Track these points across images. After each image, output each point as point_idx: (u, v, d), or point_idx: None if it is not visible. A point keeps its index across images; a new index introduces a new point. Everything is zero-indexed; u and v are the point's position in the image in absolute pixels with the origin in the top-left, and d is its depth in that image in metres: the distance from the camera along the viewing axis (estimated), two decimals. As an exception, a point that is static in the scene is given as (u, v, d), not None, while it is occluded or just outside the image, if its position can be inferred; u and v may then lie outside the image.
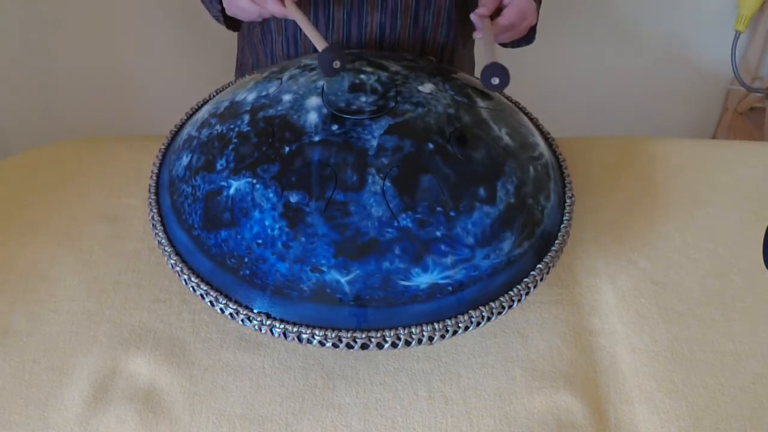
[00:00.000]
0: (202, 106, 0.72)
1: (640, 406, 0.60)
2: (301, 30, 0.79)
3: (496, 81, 0.60)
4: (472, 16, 0.72)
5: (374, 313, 0.54)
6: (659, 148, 0.85)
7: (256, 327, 0.56)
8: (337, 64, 0.60)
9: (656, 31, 1.42)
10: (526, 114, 0.73)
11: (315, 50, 0.79)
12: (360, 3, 0.76)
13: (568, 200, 0.65)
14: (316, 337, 0.55)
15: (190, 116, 0.72)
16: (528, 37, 0.83)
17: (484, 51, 0.66)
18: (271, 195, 0.56)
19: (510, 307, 0.57)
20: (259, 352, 0.63)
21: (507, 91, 0.75)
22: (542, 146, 0.67)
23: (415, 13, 0.78)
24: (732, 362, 0.63)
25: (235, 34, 0.94)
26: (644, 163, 0.83)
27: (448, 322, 0.55)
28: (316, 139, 0.57)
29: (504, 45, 0.86)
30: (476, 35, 0.73)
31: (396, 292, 0.54)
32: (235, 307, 0.56)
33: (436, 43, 0.81)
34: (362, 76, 0.63)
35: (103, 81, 1.42)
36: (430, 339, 0.55)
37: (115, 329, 0.65)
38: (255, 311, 0.56)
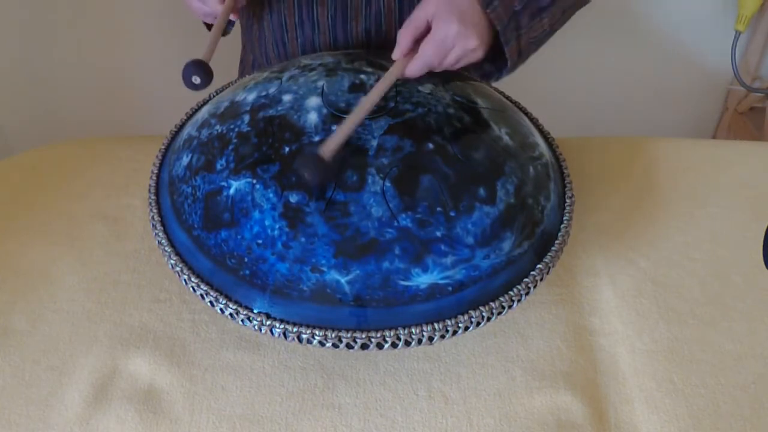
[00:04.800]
0: (202, 106, 0.72)
1: (640, 406, 0.60)
2: (287, 33, 0.79)
3: (307, 176, 0.54)
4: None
5: (374, 313, 0.54)
6: (659, 148, 0.85)
7: (256, 327, 0.56)
8: (196, 80, 0.60)
9: (656, 31, 1.42)
10: (526, 114, 0.73)
11: (303, 51, 0.80)
12: (344, 8, 0.76)
13: (568, 200, 0.65)
14: (316, 337, 0.55)
15: (190, 116, 0.72)
16: (498, 67, 0.69)
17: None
18: (271, 195, 0.56)
19: (510, 307, 0.57)
20: (259, 352, 0.63)
21: (507, 91, 0.75)
22: (542, 146, 0.67)
23: (400, 18, 0.77)
24: (732, 362, 0.63)
25: (237, 33, 0.94)
26: (644, 163, 0.83)
27: (448, 322, 0.55)
28: (316, 139, 0.57)
29: (487, 79, 0.73)
30: None
31: (396, 292, 0.54)
32: (235, 307, 0.56)
33: None
34: (362, 77, 0.63)
35: (103, 81, 1.42)
36: (430, 339, 0.55)
37: (115, 329, 0.65)
38: (255, 311, 0.56)
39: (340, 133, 0.55)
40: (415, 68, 0.61)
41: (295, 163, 0.55)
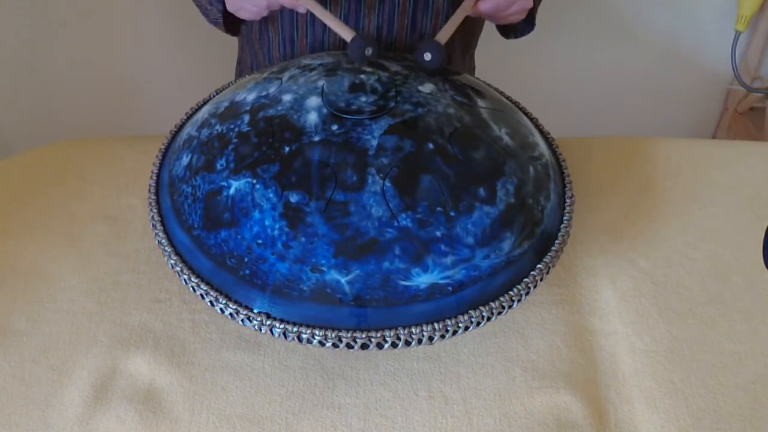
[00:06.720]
0: (202, 106, 0.72)
1: (640, 406, 0.60)
2: (297, 31, 0.79)
3: (428, 57, 0.63)
4: None
5: (374, 313, 0.54)
6: (659, 148, 0.85)
7: (256, 327, 0.56)
8: (369, 51, 0.62)
9: (656, 31, 1.43)
10: (526, 114, 0.73)
11: (312, 50, 0.80)
12: (357, 5, 0.76)
13: (568, 200, 0.65)
14: (316, 337, 0.55)
15: (190, 116, 0.72)
16: (527, 24, 0.82)
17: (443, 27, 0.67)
18: (271, 195, 0.56)
19: (510, 307, 0.57)
20: (259, 352, 0.63)
21: (507, 91, 0.75)
22: (542, 146, 0.67)
23: (413, 17, 0.77)
24: (732, 362, 0.63)
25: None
26: (644, 163, 0.83)
27: (448, 322, 0.55)
28: (316, 139, 0.57)
29: (506, 36, 0.86)
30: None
31: (396, 292, 0.54)
32: (235, 307, 0.56)
33: None
34: (362, 76, 0.63)
35: (104, 81, 1.42)
36: (430, 339, 0.55)
37: (115, 329, 0.65)
38: (255, 311, 0.56)
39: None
40: (486, 6, 0.70)
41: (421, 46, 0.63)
